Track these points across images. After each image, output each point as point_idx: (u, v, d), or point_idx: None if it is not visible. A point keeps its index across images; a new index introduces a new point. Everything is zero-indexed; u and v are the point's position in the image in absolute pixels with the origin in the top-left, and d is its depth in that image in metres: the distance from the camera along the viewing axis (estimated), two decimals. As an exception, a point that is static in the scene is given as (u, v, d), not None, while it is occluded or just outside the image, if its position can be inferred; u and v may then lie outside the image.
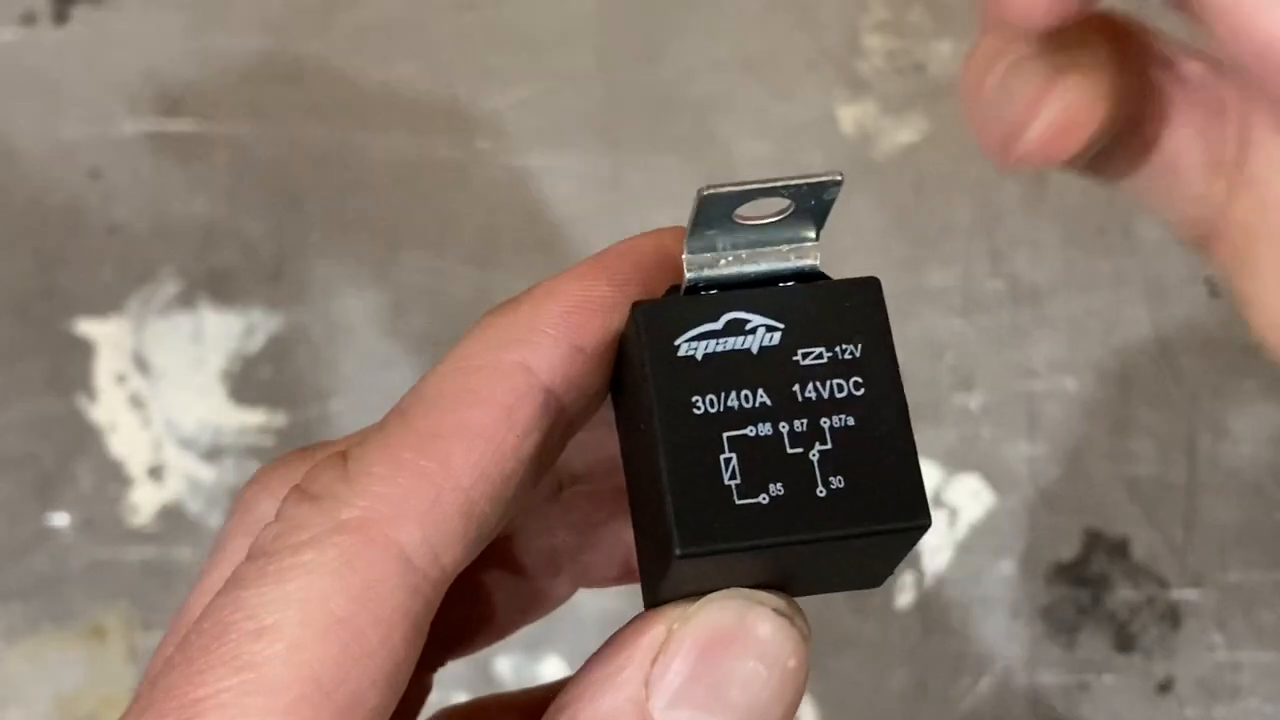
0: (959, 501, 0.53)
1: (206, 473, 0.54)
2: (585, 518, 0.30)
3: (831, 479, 0.22)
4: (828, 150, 0.57)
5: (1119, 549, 0.52)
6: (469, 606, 0.30)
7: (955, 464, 0.52)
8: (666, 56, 0.58)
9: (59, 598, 0.53)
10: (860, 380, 0.22)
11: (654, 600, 0.23)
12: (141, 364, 0.55)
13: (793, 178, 0.21)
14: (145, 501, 0.54)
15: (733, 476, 0.22)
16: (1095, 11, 0.22)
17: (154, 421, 0.55)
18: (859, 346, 0.23)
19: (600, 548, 0.30)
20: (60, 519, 0.54)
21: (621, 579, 0.31)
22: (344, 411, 0.55)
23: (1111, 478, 0.53)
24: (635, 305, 0.23)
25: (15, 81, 0.58)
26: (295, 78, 0.58)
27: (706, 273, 0.23)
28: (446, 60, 0.58)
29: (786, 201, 0.23)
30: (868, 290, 0.23)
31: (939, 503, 0.52)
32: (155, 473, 0.54)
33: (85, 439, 0.54)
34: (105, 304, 0.55)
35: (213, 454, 0.54)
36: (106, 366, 0.55)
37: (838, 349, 0.23)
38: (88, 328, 0.55)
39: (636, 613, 0.24)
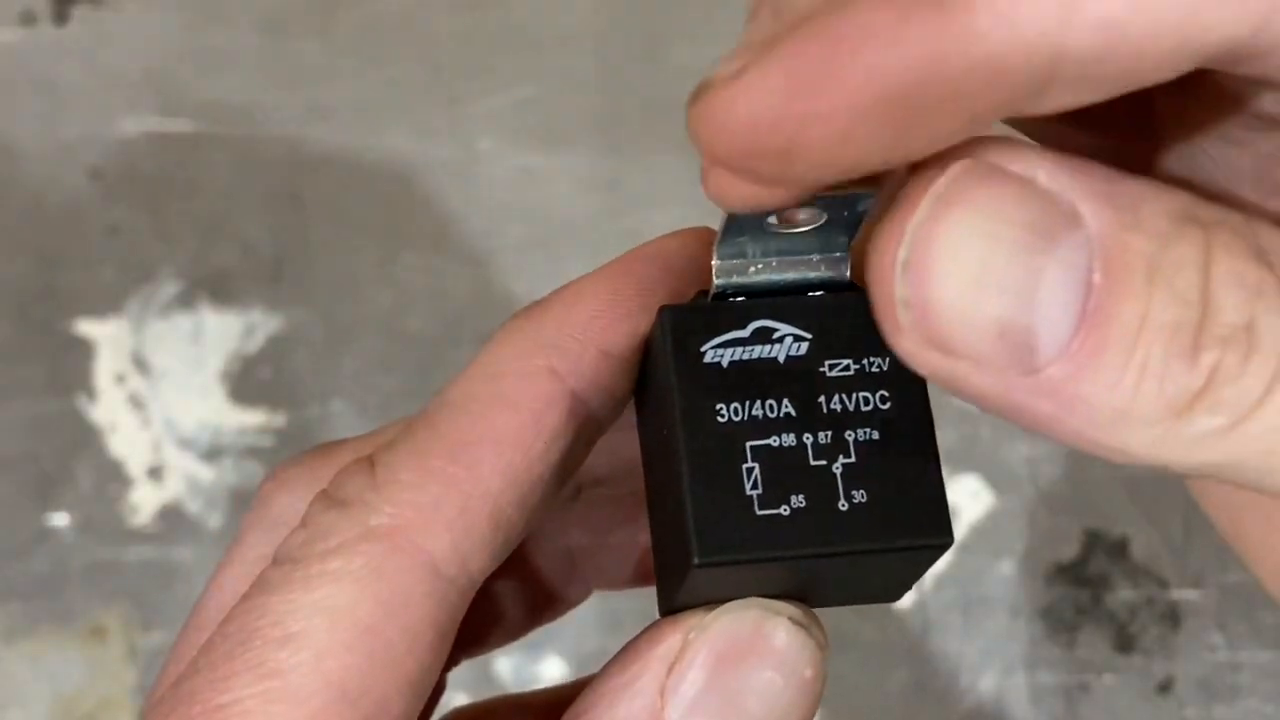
0: (959, 502, 0.53)
1: (206, 473, 0.54)
2: (603, 521, 0.30)
3: (854, 492, 0.22)
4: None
5: (1119, 549, 0.52)
6: (484, 608, 0.30)
7: (955, 464, 0.52)
8: (666, 56, 0.58)
9: (59, 598, 0.53)
10: (886, 394, 0.22)
11: (669, 607, 0.23)
12: (141, 364, 0.55)
13: (828, 189, 0.21)
14: (145, 502, 0.54)
15: (754, 486, 0.22)
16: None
17: (154, 422, 0.55)
18: (887, 360, 0.22)
19: (616, 550, 0.30)
20: (60, 519, 0.54)
21: (636, 582, 0.30)
22: (344, 412, 0.55)
23: (1111, 478, 0.53)
24: (663, 309, 0.23)
25: (15, 81, 0.58)
26: (295, 78, 0.58)
27: (736, 279, 0.23)
28: (446, 60, 0.58)
29: (820, 211, 0.22)
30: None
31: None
32: (155, 473, 0.54)
33: (85, 439, 0.54)
34: (105, 304, 0.55)
35: (212, 454, 0.54)
36: (106, 367, 0.55)
37: (865, 361, 0.22)
38: (87, 328, 0.55)
39: (639, 613, 0.24)
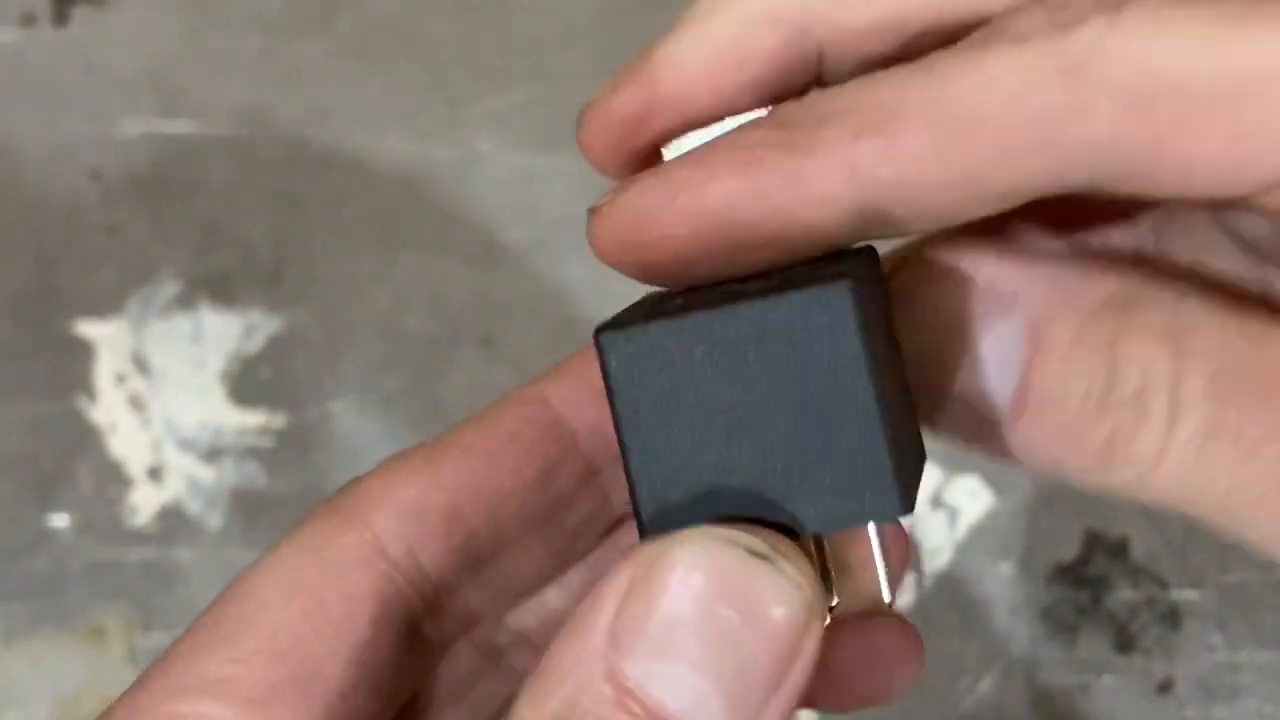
0: (959, 502, 0.53)
1: (206, 473, 0.54)
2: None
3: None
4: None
5: (1119, 549, 0.52)
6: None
7: (955, 464, 0.52)
8: (666, 58, 0.58)
9: (59, 598, 0.53)
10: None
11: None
12: (141, 365, 0.55)
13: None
14: (145, 502, 0.54)
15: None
16: None
17: (154, 422, 0.55)
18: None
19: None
20: (60, 520, 0.54)
21: None
22: (344, 412, 0.55)
23: (1111, 478, 0.53)
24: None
25: (15, 82, 0.58)
26: (295, 78, 0.58)
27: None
28: (446, 61, 0.58)
29: None
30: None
31: (939, 503, 0.52)
32: (155, 473, 0.54)
33: (85, 440, 0.54)
34: (105, 305, 0.55)
35: (212, 455, 0.54)
36: (106, 367, 0.55)
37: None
38: (87, 328, 0.55)
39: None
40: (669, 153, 0.24)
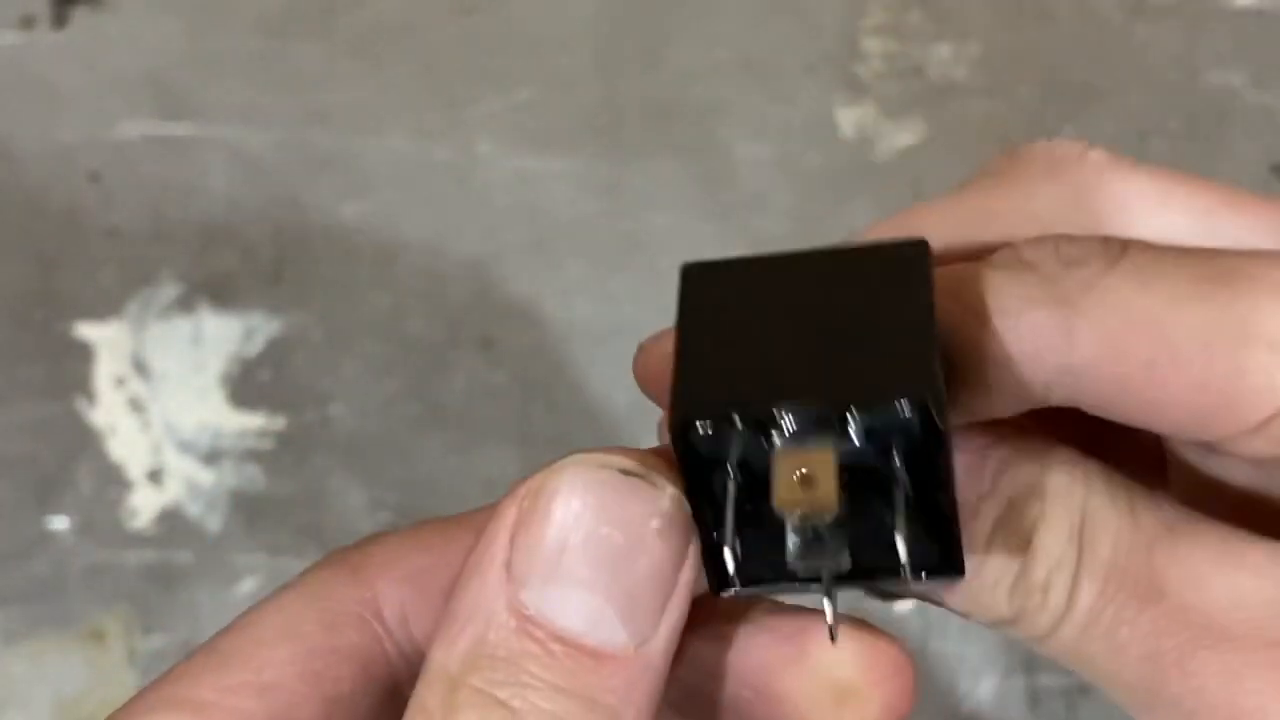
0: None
1: (206, 476, 0.54)
2: None
3: None
4: (827, 153, 0.57)
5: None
6: None
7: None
8: (665, 59, 0.58)
9: (59, 601, 0.53)
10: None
11: None
12: (141, 367, 0.55)
13: None
14: (145, 505, 0.54)
15: None
16: None
17: (153, 425, 0.55)
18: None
19: None
20: (60, 522, 0.54)
21: None
22: (343, 415, 0.55)
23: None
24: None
25: (15, 84, 0.58)
26: (294, 80, 0.58)
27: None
28: (446, 63, 0.58)
29: None
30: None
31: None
32: (155, 476, 0.54)
33: (85, 442, 0.54)
34: (105, 307, 0.55)
35: (212, 457, 0.54)
36: (106, 369, 0.55)
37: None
38: (87, 331, 0.55)
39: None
40: None
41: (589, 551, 0.21)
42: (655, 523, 0.22)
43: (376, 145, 0.57)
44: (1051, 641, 0.24)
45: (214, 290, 0.56)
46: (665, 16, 0.58)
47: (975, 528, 0.24)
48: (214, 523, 0.54)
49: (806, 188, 0.56)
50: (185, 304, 0.56)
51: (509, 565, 0.22)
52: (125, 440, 0.54)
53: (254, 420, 0.55)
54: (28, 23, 0.58)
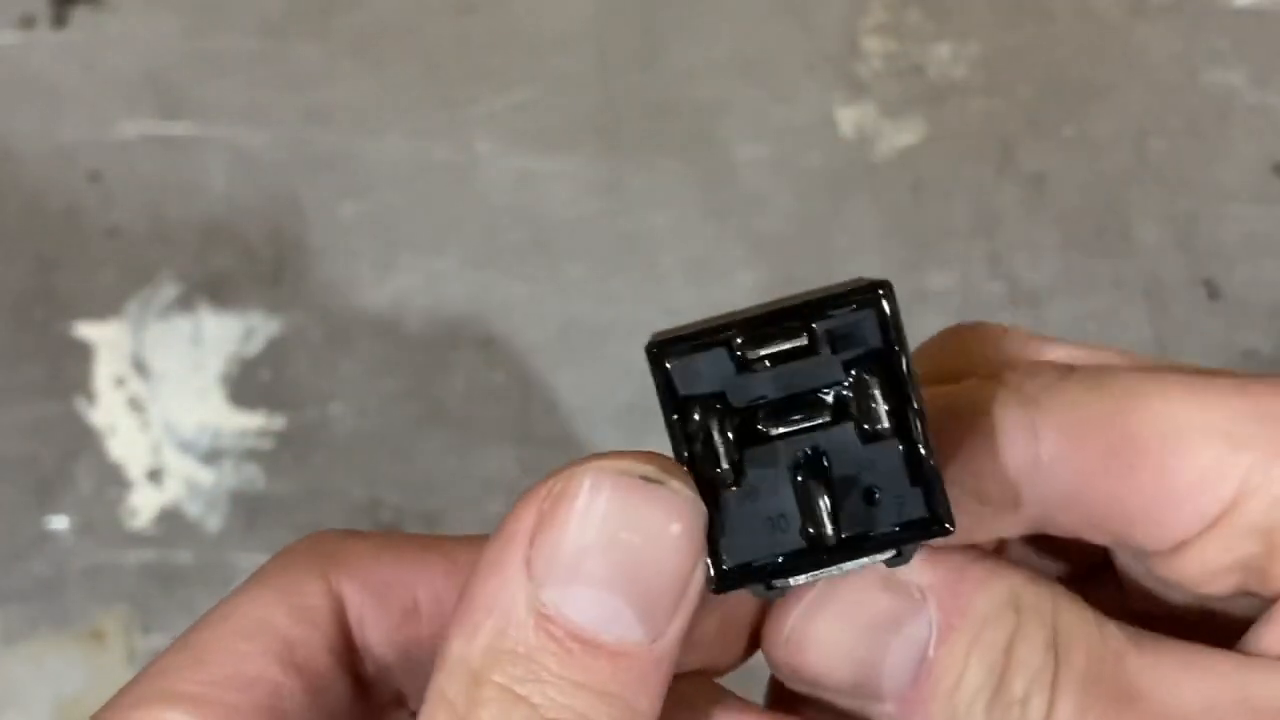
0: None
1: (205, 475, 0.54)
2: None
3: None
4: (826, 152, 0.57)
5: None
6: None
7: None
8: (665, 59, 0.58)
9: (58, 600, 0.53)
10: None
11: None
12: (140, 367, 0.55)
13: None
14: (144, 504, 0.54)
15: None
16: None
17: (153, 424, 0.55)
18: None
19: None
20: (59, 522, 0.54)
21: None
22: (343, 414, 0.55)
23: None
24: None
25: (14, 84, 0.58)
26: (294, 80, 0.58)
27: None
28: (445, 62, 0.58)
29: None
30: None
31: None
32: (154, 475, 0.54)
33: (84, 442, 0.54)
34: (104, 307, 0.55)
35: (212, 457, 0.54)
36: (105, 369, 0.55)
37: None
38: (87, 330, 0.55)
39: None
40: None
41: (609, 554, 0.22)
42: (675, 528, 0.22)
43: (376, 145, 0.57)
44: None
45: (214, 290, 0.56)
46: (665, 16, 0.58)
47: (953, 642, 0.25)
48: (214, 522, 0.54)
49: (806, 187, 0.56)
50: (185, 304, 0.56)
51: (529, 564, 0.22)
52: (125, 440, 0.54)
53: (254, 420, 0.55)
54: (28, 22, 0.58)
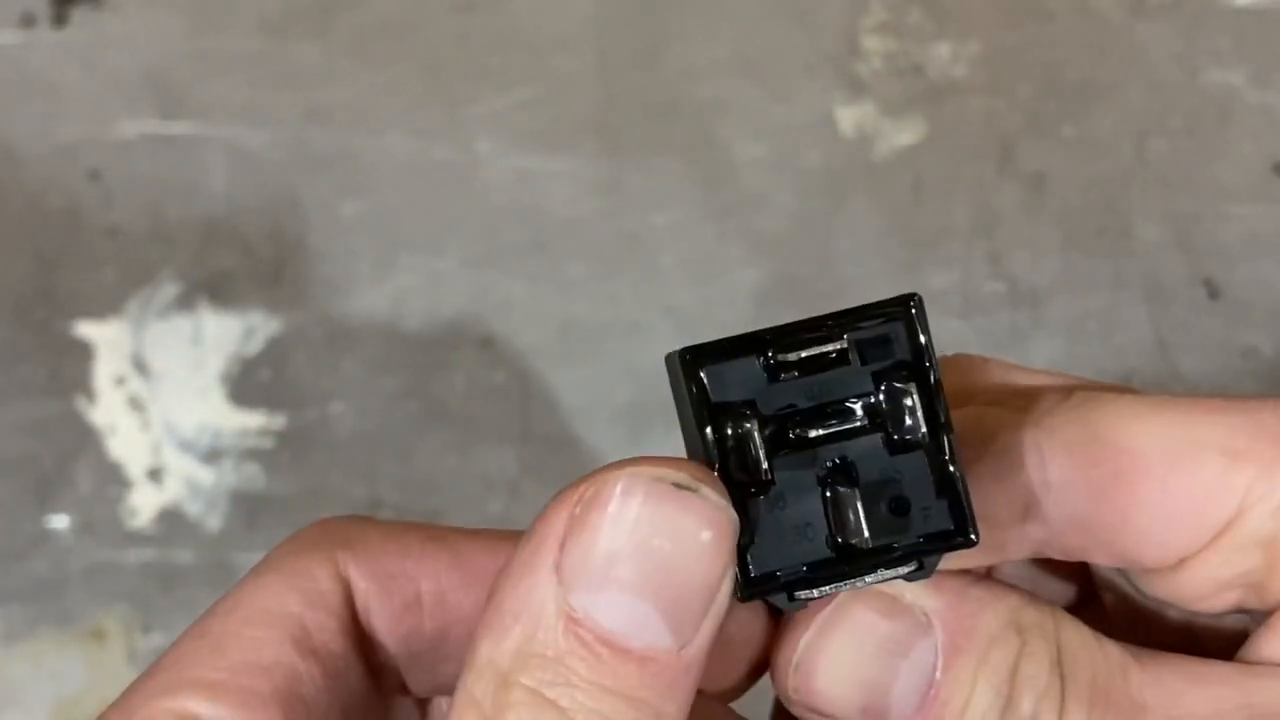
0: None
1: (206, 475, 0.54)
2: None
3: None
4: (826, 152, 0.57)
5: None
6: None
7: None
8: (665, 58, 0.58)
9: (58, 600, 0.53)
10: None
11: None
12: (141, 366, 0.55)
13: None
14: (145, 504, 0.54)
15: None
16: None
17: (153, 424, 0.55)
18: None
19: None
20: (60, 521, 0.54)
21: None
22: (343, 414, 0.55)
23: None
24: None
25: (14, 84, 0.58)
26: (294, 79, 0.58)
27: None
28: (445, 62, 0.58)
29: None
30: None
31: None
32: (154, 475, 0.54)
33: (84, 441, 0.54)
34: (104, 306, 0.55)
35: (212, 456, 0.54)
36: (106, 369, 0.55)
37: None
38: (87, 330, 0.55)
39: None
40: None
41: (640, 560, 0.22)
42: (706, 535, 0.22)
43: (376, 144, 0.57)
44: None
45: (214, 289, 0.56)
46: (665, 16, 0.58)
47: (960, 664, 0.25)
48: (214, 522, 0.54)
49: (806, 187, 0.56)
50: (185, 303, 0.56)
51: (559, 568, 0.22)
52: (125, 439, 0.54)
53: (254, 419, 0.55)
54: (28, 22, 0.58)
